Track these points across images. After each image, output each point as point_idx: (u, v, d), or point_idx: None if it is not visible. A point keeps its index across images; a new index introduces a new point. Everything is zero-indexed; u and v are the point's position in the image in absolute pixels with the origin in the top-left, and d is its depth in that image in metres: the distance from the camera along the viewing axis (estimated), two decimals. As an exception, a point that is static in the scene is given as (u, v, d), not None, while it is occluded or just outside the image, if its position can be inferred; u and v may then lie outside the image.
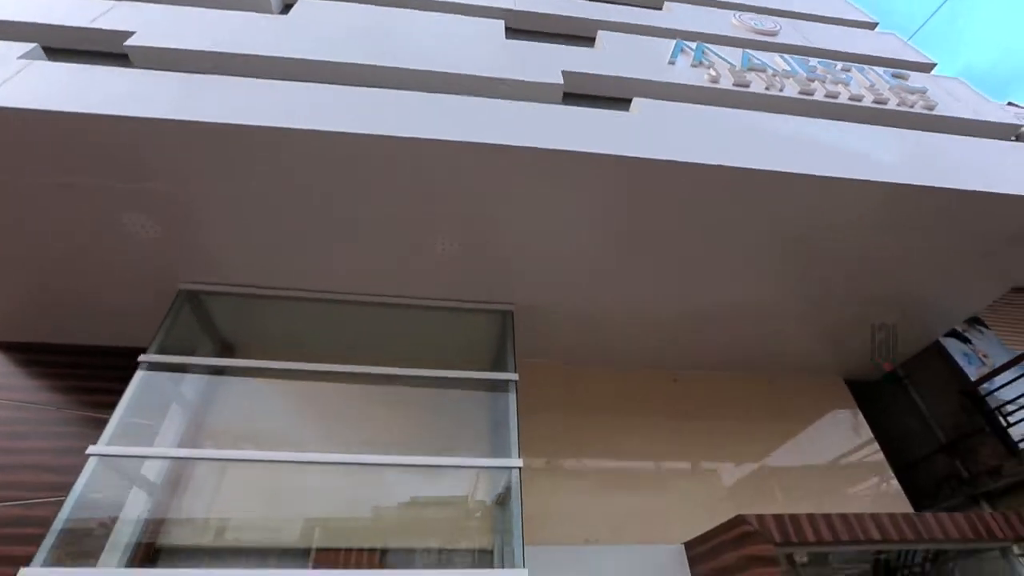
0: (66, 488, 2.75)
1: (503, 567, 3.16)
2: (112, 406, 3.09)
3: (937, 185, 3.30)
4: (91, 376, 4.01)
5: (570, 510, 3.92)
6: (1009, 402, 4.47)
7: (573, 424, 4.39)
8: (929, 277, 4.13)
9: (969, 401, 4.72)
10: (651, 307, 4.21)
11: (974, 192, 3.35)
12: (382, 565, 3.45)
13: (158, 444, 3.55)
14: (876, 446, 4.98)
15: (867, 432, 5.06)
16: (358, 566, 3.43)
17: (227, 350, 4.27)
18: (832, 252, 3.83)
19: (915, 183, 3.27)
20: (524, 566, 2.77)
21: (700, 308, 4.25)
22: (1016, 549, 3.55)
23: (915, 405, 5.21)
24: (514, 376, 3.60)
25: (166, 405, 3.71)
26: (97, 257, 3.48)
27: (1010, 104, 5.70)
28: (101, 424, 3.00)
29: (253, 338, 4.27)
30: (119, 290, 3.75)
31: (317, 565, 3.34)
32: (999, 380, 4.56)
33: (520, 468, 3.15)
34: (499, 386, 3.76)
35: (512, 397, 3.50)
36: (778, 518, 3.21)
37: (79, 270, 3.59)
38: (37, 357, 4.09)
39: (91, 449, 2.88)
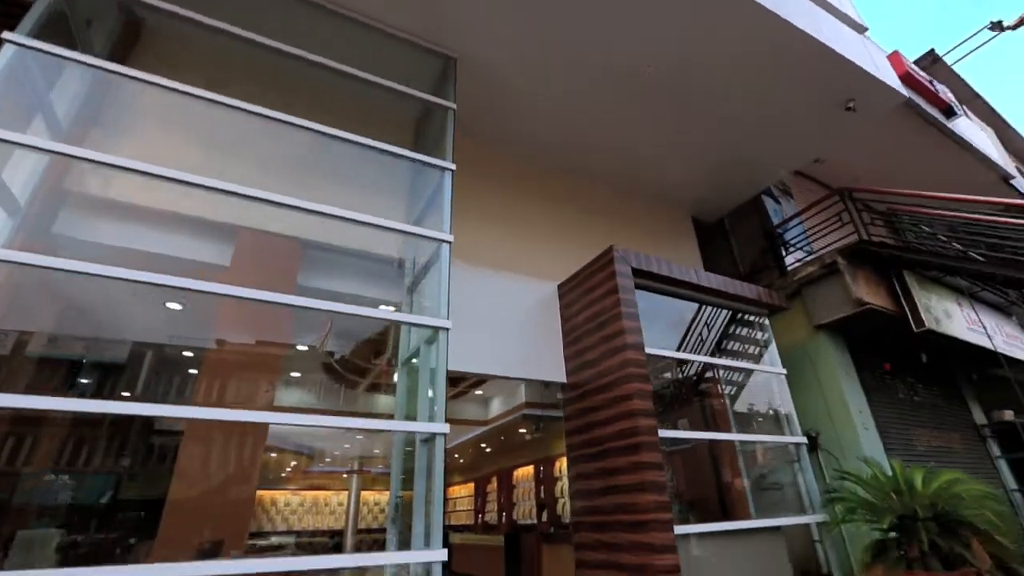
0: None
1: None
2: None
3: (810, 32, 4.27)
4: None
5: (476, 246, 4.59)
6: (788, 241, 6.17)
7: (482, 191, 4.95)
8: (770, 128, 5.33)
9: (767, 243, 6.36)
10: (562, 95, 4.79)
11: (831, 50, 4.41)
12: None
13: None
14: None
15: (699, 260, 6.52)
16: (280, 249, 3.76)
17: (132, 27, 3.89)
18: (701, 92, 4.76)
19: (795, 23, 4.19)
20: (451, 233, 3.38)
21: (592, 111, 5.00)
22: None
23: (731, 248, 6.81)
24: (452, 105, 3.96)
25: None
26: None
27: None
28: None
29: (169, 25, 3.90)
30: None
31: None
32: (789, 226, 6.24)
33: (453, 171, 3.65)
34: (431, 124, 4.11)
35: (450, 121, 3.88)
36: (636, 253, 4.24)
37: None
38: None
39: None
